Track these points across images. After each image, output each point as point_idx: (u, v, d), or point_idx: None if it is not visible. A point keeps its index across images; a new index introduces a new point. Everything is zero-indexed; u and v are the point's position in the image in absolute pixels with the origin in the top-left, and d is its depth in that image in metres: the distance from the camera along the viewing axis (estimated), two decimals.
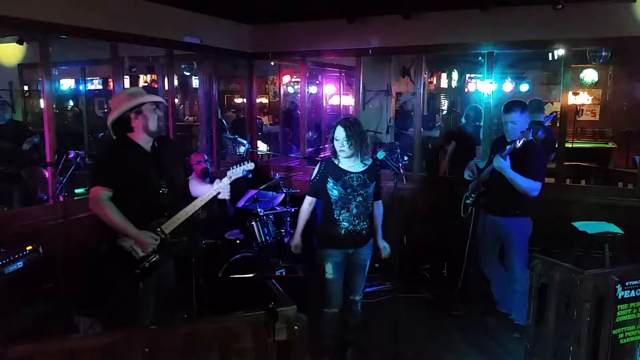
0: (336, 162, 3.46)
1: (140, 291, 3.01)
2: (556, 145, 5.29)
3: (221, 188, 3.08)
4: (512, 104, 4.03)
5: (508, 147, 3.87)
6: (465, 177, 4.36)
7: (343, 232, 3.42)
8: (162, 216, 3.03)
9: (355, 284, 3.64)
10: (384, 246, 3.64)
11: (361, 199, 3.43)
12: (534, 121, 5.22)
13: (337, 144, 3.39)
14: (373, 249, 3.64)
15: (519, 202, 3.99)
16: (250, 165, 3.15)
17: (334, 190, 3.42)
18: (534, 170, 3.90)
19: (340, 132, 3.37)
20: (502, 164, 3.87)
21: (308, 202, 3.59)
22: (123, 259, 2.93)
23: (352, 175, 3.42)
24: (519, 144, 3.75)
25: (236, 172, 3.12)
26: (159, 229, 2.99)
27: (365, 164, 3.48)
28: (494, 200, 4.14)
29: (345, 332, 3.69)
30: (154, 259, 2.98)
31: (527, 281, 3.97)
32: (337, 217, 3.42)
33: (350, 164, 3.44)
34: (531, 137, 3.74)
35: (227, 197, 3.11)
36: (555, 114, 5.32)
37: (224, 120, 7.82)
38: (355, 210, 3.42)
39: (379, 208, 3.63)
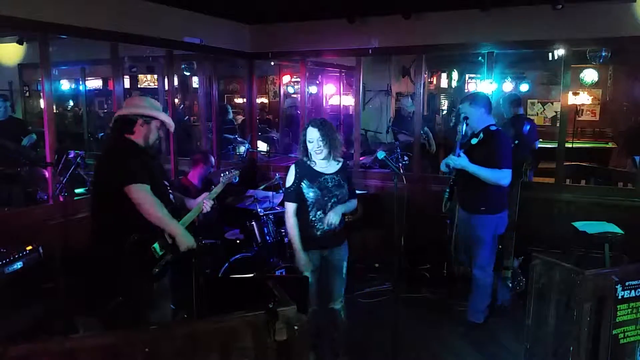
0: (310, 164, 3.38)
1: (155, 290, 3.07)
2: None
3: (206, 203, 3.30)
4: (465, 97, 4.22)
5: (457, 143, 4.01)
6: (442, 169, 4.30)
7: (319, 232, 3.36)
8: (177, 217, 3.12)
9: (334, 288, 3.51)
10: (329, 216, 3.31)
11: (336, 200, 3.37)
12: (516, 115, 5.54)
13: (311, 146, 3.30)
14: (348, 250, 3.55)
15: (483, 199, 3.99)
16: (237, 173, 3.58)
17: (310, 192, 3.34)
18: (498, 158, 3.88)
19: (313, 133, 3.27)
20: (458, 161, 3.91)
21: (292, 210, 3.38)
22: (143, 257, 2.96)
23: (326, 176, 3.37)
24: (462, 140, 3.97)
25: (227, 178, 3.49)
26: None
27: (339, 162, 3.43)
28: (462, 196, 4.15)
29: (331, 343, 3.60)
30: (169, 258, 3.04)
31: (484, 281, 4.11)
32: (313, 219, 3.35)
33: (324, 165, 3.38)
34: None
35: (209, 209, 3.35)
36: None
37: (233, 121, 7.86)
38: (330, 211, 3.34)
39: (352, 201, 3.50)
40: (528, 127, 5.57)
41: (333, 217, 3.30)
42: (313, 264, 3.38)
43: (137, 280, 3.01)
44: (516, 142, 5.28)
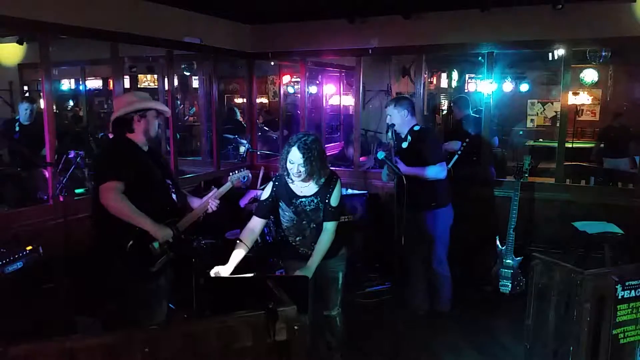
0: (287, 180, 3.09)
1: (152, 289, 3.05)
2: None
3: (212, 202, 3.25)
4: (390, 100, 4.41)
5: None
6: (384, 179, 4.36)
7: (302, 252, 3.17)
8: (176, 215, 3.10)
9: (329, 298, 3.30)
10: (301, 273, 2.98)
11: (315, 225, 3.11)
12: (464, 115, 5.79)
13: (291, 167, 2.98)
14: (345, 260, 3.34)
15: (432, 195, 4.11)
16: (247, 172, 3.41)
17: (285, 215, 3.13)
18: (430, 154, 4.04)
19: (296, 155, 2.94)
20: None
21: (252, 225, 3.16)
22: (141, 256, 2.95)
23: (303, 200, 3.08)
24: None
25: (235, 178, 3.36)
26: (174, 227, 3.05)
27: (319, 185, 3.08)
28: (411, 197, 4.16)
29: (327, 352, 3.46)
30: (168, 257, 3.03)
31: (445, 272, 4.32)
32: (292, 242, 3.20)
33: (303, 185, 3.09)
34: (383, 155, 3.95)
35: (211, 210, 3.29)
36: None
37: (243, 123, 7.85)
38: (310, 236, 3.14)
39: (325, 233, 3.09)
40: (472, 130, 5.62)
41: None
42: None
43: (134, 280, 2.99)
44: (467, 140, 5.36)
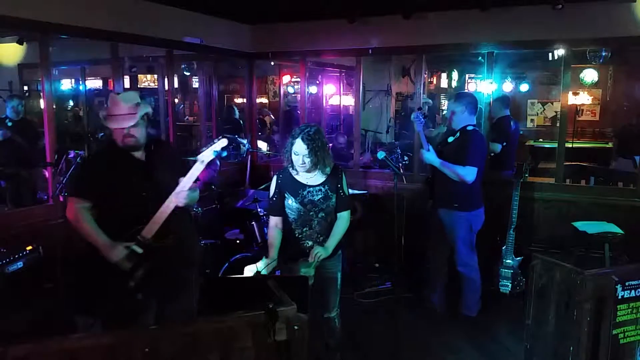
0: (293, 173, 3.15)
1: (129, 305, 2.90)
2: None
3: (176, 197, 2.84)
4: (455, 94, 4.39)
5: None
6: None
7: (308, 247, 3.17)
8: (141, 222, 2.83)
9: (328, 300, 3.29)
10: (318, 251, 3.08)
11: (323, 214, 3.15)
12: (503, 116, 5.60)
13: (296, 159, 3.05)
14: (342, 259, 3.37)
15: (456, 195, 4.05)
16: (221, 142, 2.86)
17: (291, 207, 3.14)
18: (466, 155, 3.97)
19: (300, 147, 3.01)
20: (426, 156, 4.01)
21: (274, 223, 3.20)
22: (113, 269, 2.80)
23: (310, 189, 3.13)
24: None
25: (207, 154, 2.85)
26: (139, 236, 2.79)
27: (326, 174, 3.15)
28: (437, 192, 4.18)
29: (325, 352, 3.44)
30: (143, 269, 2.82)
31: (469, 275, 4.22)
32: (299, 236, 3.18)
33: (309, 176, 3.14)
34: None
35: (183, 203, 2.83)
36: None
37: (241, 122, 7.85)
38: (318, 227, 3.16)
39: (341, 220, 3.20)
40: (514, 127, 5.65)
41: (321, 252, 3.07)
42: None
43: (114, 294, 2.87)
44: (504, 143, 5.35)
